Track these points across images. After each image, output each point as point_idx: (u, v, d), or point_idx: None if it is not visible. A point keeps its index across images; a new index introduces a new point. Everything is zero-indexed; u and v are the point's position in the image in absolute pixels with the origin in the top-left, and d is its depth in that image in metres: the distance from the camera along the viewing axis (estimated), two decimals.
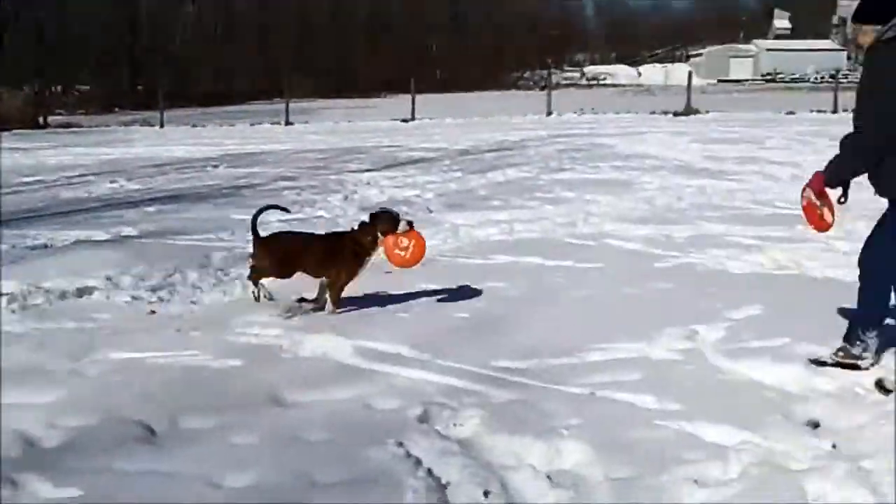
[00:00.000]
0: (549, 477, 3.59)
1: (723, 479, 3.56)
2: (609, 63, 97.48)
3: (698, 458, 3.71)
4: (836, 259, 7.60)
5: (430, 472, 3.56)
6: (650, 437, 3.94)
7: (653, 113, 30.42)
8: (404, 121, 30.91)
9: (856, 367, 4.74)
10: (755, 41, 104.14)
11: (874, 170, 4.45)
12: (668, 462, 3.67)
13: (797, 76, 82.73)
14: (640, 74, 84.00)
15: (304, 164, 16.58)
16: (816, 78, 77.46)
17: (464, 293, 6.56)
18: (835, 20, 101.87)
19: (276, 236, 6.30)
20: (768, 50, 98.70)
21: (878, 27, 4.32)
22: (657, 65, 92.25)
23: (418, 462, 3.64)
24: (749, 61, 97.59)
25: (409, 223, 6.07)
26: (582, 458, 3.73)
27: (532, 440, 3.86)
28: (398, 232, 5.96)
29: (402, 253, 6.00)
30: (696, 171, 14.07)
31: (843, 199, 4.74)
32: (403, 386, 4.60)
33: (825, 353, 4.92)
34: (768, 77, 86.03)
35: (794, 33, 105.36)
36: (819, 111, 30.46)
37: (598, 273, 7.18)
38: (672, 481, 3.52)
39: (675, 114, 29.57)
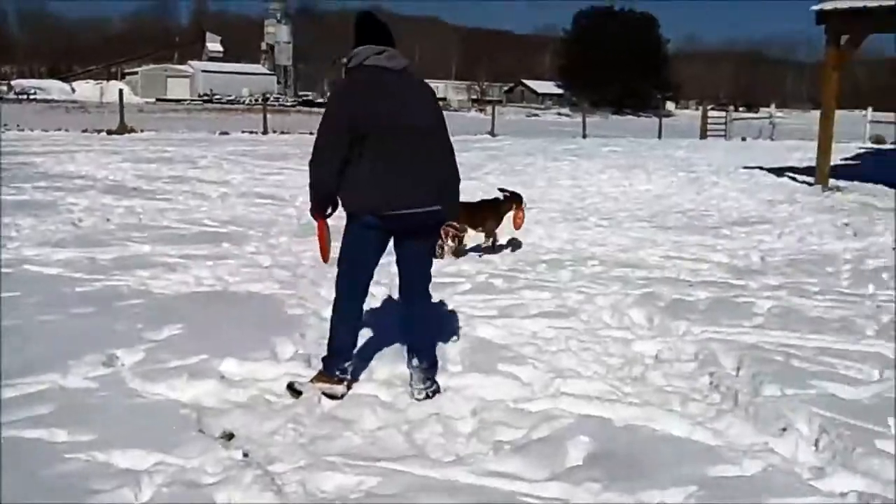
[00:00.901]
0: None
1: None
2: (40, 77, 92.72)
3: (109, 486, 3.63)
4: (258, 274, 7.98)
5: None
6: (59, 473, 3.76)
7: (85, 131, 29.31)
8: None
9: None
10: (191, 62, 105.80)
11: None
12: (80, 494, 3.55)
13: (232, 97, 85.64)
14: (74, 90, 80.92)
15: None
16: (250, 100, 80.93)
17: None
18: (263, 46, 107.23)
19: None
20: (204, 71, 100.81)
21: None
22: (92, 81, 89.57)
23: None
24: (186, 81, 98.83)
25: None
26: None
27: None
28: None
29: None
30: (128, 191, 13.83)
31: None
32: None
33: (239, 368, 5.15)
34: (206, 97, 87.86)
35: (227, 56, 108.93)
36: (251, 132, 31.81)
37: (13, 302, 6.70)
38: None
39: (109, 132, 28.83)
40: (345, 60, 4.75)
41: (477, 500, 3.70)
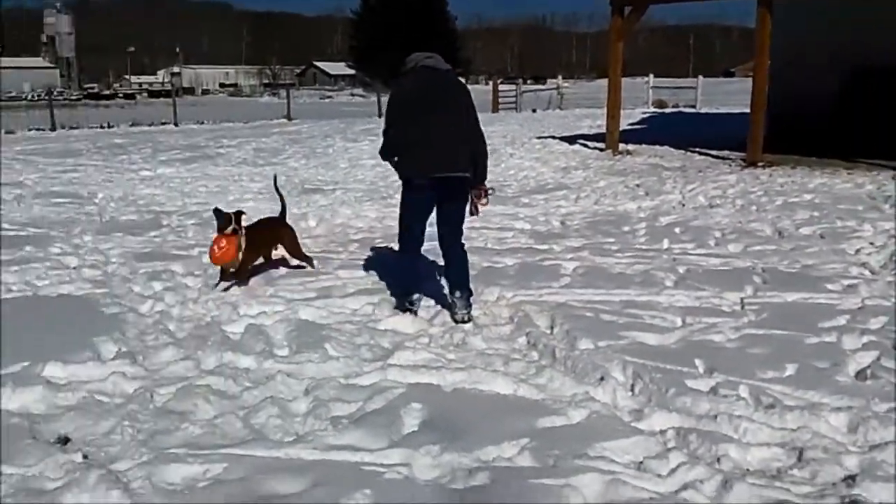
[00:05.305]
0: None
1: None
2: None
3: None
4: (67, 275, 7.71)
5: None
6: None
7: None
8: None
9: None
10: None
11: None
12: None
13: (13, 94, 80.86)
14: None
15: None
16: (33, 96, 76.68)
17: None
18: (44, 38, 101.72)
19: None
20: None
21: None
22: None
23: None
24: None
25: None
26: None
27: None
28: None
29: None
30: None
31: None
32: None
33: (64, 371, 5.04)
34: None
35: (5, 50, 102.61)
36: (38, 129, 30.17)
37: None
38: None
39: None
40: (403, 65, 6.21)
41: (323, 475, 3.81)
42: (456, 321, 6.22)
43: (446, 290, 6.51)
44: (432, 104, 6.05)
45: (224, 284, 7.21)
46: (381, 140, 6.34)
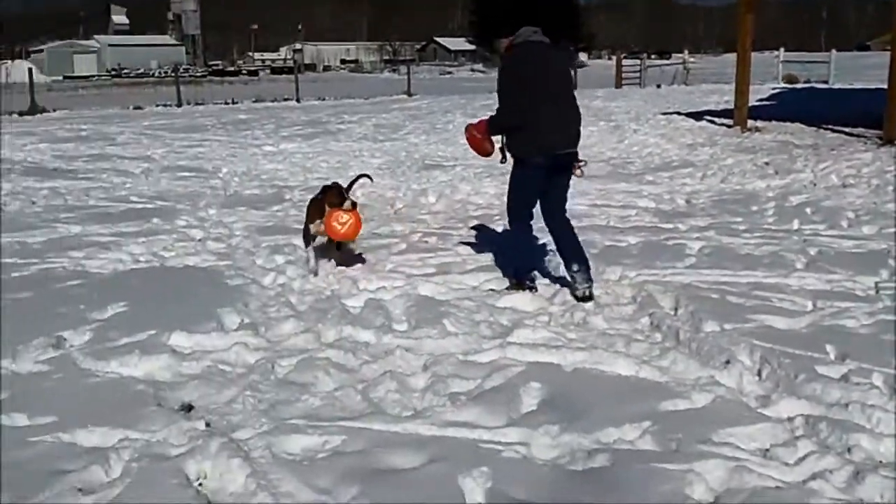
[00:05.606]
0: None
1: (106, 482, 3.55)
2: None
3: (78, 466, 3.64)
4: (193, 247, 7.95)
5: None
6: (26, 457, 3.75)
7: None
8: None
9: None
10: (96, 37, 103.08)
11: (508, 138, 6.14)
12: (49, 477, 3.54)
13: (142, 71, 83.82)
14: None
15: None
16: (160, 72, 79.29)
17: None
18: (170, 17, 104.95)
19: None
20: (111, 45, 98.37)
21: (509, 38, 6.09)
22: None
23: None
24: (93, 57, 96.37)
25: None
26: None
27: None
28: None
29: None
30: (48, 172, 13.54)
31: (502, 160, 6.32)
32: None
33: (189, 341, 5.19)
34: (114, 72, 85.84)
35: (133, 28, 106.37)
36: (165, 105, 31.21)
37: None
38: (56, 494, 3.43)
39: (21, 113, 28.02)
40: (508, 40, 6.12)
41: (440, 451, 3.80)
42: (577, 298, 6.10)
43: (562, 267, 6.41)
44: (554, 80, 6.00)
45: (327, 266, 7.13)
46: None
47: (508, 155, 6.25)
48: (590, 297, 6.09)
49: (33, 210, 10.17)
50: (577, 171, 6.25)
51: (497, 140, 6.28)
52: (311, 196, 7.48)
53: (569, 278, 6.26)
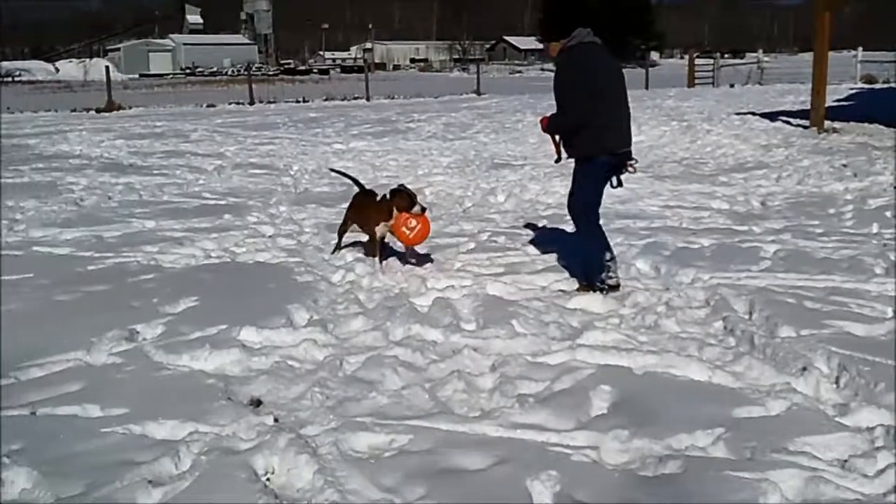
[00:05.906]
0: None
1: (176, 474, 3.59)
2: (23, 58, 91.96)
3: (149, 457, 3.68)
4: (263, 243, 8.02)
5: None
6: (98, 447, 3.82)
7: (74, 110, 29.17)
8: None
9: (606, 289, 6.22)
10: (171, 36, 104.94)
11: (567, 138, 6.26)
12: (120, 468, 3.59)
13: (215, 69, 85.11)
14: (57, 70, 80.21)
15: None
16: (233, 71, 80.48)
17: None
18: (243, 16, 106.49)
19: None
20: (185, 44, 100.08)
21: (563, 41, 6.15)
22: (74, 60, 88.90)
23: None
24: (168, 55, 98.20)
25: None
26: (28, 484, 3.50)
27: None
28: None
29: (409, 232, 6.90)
30: (124, 168, 13.82)
31: (557, 160, 6.54)
32: None
33: (258, 336, 5.21)
34: (188, 71, 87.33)
35: (207, 28, 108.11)
36: (238, 103, 31.63)
37: (27, 284, 6.71)
38: (126, 486, 3.46)
39: (98, 110, 28.67)
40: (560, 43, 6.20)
41: (508, 452, 3.76)
42: (609, 286, 6.22)
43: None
44: (610, 81, 6.13)
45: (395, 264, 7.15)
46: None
47: (564, 154, 6.37)
48: (618, 286, 6.29)
49: (109, 205, 10.38)
50: (630, 169, 6.24)
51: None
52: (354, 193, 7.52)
53: (604, 267, 6.33)
